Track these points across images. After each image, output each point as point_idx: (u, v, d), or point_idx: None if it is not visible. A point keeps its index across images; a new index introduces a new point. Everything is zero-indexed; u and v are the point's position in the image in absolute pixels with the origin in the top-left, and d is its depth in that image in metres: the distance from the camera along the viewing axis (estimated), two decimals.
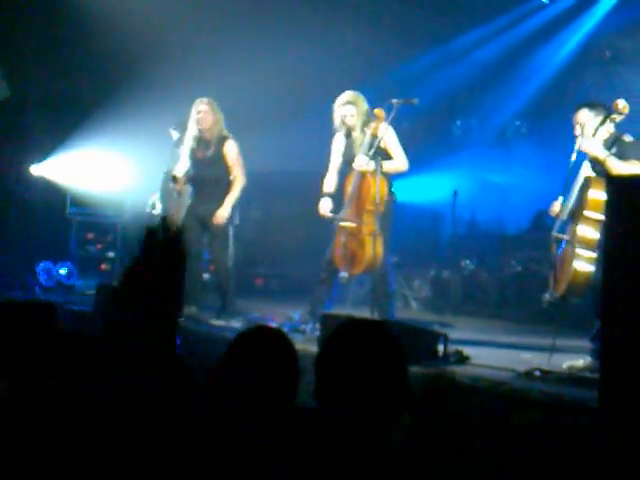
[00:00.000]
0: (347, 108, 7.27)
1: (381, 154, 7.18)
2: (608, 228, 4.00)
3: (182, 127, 8.61)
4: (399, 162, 7.29)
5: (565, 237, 6.16)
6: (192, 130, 8.01)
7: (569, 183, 6.21)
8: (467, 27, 11.26)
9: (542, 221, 9.55)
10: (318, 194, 7.47)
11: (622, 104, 5.90)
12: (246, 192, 8.22)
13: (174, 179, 8.23)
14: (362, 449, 2.21)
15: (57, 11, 10.43)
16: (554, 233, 6.27)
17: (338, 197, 7.48)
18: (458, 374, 5.56)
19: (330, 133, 7.48)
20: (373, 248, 7.02)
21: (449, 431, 3.67)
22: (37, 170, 10.71)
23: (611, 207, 3.89)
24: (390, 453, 2.26)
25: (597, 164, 5.99)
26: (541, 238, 7.55)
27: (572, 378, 5.53)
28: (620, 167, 5.82)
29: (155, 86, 10.01)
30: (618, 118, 5.97)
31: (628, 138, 6.02)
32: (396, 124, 7.30)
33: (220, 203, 7.93)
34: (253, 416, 2.91)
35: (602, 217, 5.52)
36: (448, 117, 11.54)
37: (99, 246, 10.73)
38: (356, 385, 2.23)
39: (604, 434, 3.69)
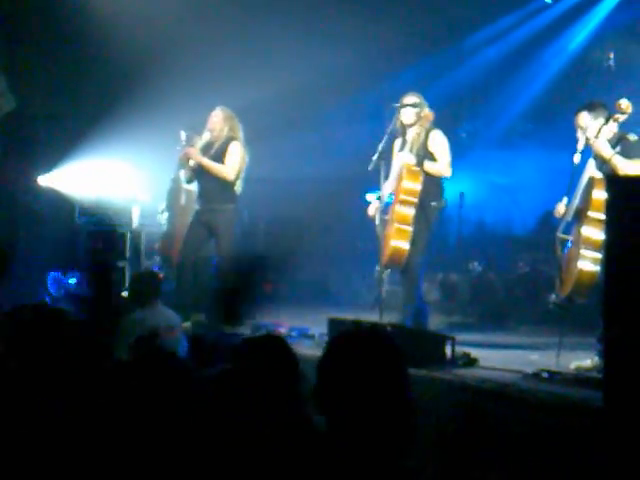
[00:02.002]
0: (406, 107, 7.16)
1: (427, 158, 7.11)
2: (609, 228, 3.99)
3: (192, 129, 8.64)
4: (440, 165, 7.13)
5: (570, 238, 6.15)
6: (205, 135, 8.06)
7: (573, 184, 6.20)
8: (471, 29, 11.26)
9: (549, 222, 9.49)
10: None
11: (625, 104, 5.86)
12: (255, 198, 8.19)
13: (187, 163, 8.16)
14: (365, 461, 2.17)
15: (61, 22, 10.47)
16: (559, 234, 6.26)
17: None
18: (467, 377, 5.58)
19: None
20: (400, 239, 6.94)
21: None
22: (45, 180, 10.73)
23: (611, 207, 3.88)
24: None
25: (603, 164, 5.98)
26: (548, 239, 7.51)
27: (579, 379, 5.52)
28: (626, 166, 5.80)
29: (162, 94, 10.03)
30: (621, 118, 5.94)
31: (633, 137, 5.97)
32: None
33: (222, 205, 7.96)
34: (257, 422, 2.93)
35: None
36: (454, 120, 11.51)
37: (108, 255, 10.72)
38: (352, 393, 2.19)
39: (609, 433, 3.69)
